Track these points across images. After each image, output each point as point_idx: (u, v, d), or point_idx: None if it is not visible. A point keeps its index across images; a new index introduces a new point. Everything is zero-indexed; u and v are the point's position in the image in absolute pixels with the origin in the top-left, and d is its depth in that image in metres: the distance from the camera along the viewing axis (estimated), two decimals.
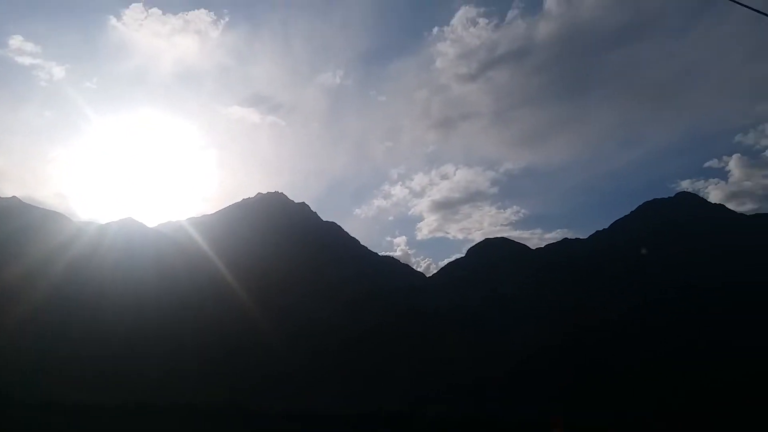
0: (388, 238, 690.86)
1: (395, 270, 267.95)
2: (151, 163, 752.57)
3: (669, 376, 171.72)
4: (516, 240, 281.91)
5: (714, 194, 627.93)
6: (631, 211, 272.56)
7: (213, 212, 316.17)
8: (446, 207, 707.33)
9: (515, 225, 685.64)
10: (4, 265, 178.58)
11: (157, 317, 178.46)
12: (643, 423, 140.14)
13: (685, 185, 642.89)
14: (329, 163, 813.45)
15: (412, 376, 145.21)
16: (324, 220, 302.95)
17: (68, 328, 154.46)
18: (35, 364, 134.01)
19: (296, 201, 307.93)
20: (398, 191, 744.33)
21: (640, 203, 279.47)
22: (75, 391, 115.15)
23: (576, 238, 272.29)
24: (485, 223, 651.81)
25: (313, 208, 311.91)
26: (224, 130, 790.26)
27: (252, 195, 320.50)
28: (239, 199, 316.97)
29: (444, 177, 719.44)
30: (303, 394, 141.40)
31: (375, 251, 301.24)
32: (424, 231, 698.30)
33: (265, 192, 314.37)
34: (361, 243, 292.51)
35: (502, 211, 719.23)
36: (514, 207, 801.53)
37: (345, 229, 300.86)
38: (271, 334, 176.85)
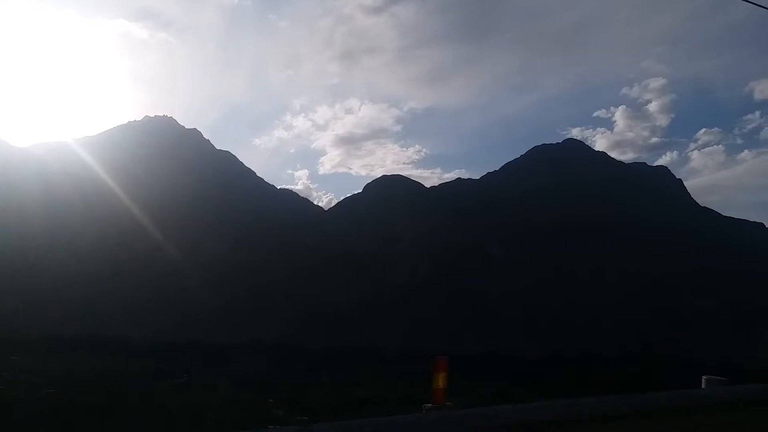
0: (290, 171, 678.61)
1: (292, 203, 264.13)
2: (17, 76, 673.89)
3: (545, 312, 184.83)
4: (416, 178, 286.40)
5: (600, 143, 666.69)
6: (521, 155, 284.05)
7: (95, 134, 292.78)
8: (350, 142, 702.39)
9: (417, 164, 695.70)
10: None
11: (48, 245, 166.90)
12: (522, 356, 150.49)
13: (576, 132, 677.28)
14: (225, 89, 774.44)
15: (296, 308, 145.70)
16: (218, 148, 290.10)
17: None
18: None
19: (187, 127, 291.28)
20: (301, 123, 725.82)
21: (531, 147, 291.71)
22: None
23: (468, 178, 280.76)
24: (388, 161, 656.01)
25: (206, 136, 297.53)
26: (107, 45, 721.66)
27: (138, 118, 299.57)
28: (125, 122, 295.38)
29: (348, 111, 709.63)
30: (184, 325, 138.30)
31: (273, 184, 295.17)
32: (326, 165, 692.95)
33: (153, 115, 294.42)
34: (258, 175, 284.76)
35: (404, 149, 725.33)
36: (417, 146, 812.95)
37: (241, 159, 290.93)
38: (157, 264, 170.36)
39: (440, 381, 7.60)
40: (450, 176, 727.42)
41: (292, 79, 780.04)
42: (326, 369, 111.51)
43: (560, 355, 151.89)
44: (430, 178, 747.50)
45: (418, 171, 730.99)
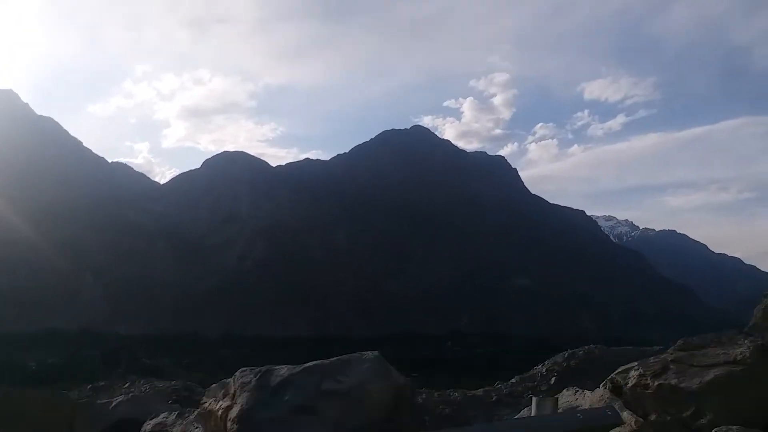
0: (128, 143, 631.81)
1: (122, 178, 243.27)
2: None
3: (381, 293, 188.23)
4: (269, 157, 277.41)
5: (449, 131, 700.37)
6: (371, 138, 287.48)
7: None
8: (198, 115, 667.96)
9: (272, 142, 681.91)
10: None
11: None
12: (353, 336, 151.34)
13: (428, 120, 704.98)
14: (51, 46, 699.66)
15: (108, 292, 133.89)
16: (39, 114, 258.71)
17: None
18: None
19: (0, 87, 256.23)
20: (143, 91, 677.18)
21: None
22: None
23: (317, 159, 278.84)
24: (241, 138, 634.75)
25: (25, 98, 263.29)
26: None
27: None
28: None
29: (198, 82, 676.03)
30: None
31: (105, 156, 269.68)
32: (171, 139, 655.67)
33: None
34: (86, 145, 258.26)
35: (259, 126, 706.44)
36: (272, 123, 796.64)
37: (66, 127, 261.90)
38: None
39: None
40: (308, 156, 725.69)
41: (134, 43, 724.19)
42: (127, 357, 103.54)
43: (391, 334, 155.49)
44: (286, 157, 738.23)
45: (274, 150, 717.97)
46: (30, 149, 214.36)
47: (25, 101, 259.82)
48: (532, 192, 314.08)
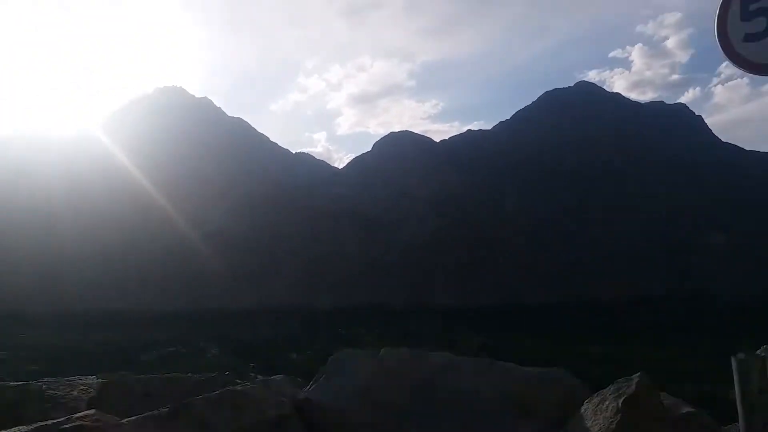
0: (308, 134, 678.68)
1: (306, 167, 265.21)
2: (17, 53, 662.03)
3: (557, 258, 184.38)
4: (434, 133, 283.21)
5: (619, 84, 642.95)
6: (532, 101, 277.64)
7: (111, 113, 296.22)
8: (365, 101, 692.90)
9: (434, 118, 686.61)
10: None
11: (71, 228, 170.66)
12: (534, 304, 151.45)
13: (593, 75, 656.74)
14: (233, 55, 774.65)
15: (305, 270, 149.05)
16: (230, 116, 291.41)
17: None
18: None
19: (198, 96, 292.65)
20: (314, 84, 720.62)
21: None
22: None
23: (479, 130, 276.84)
24: (405, 117, 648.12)
25: (218, 104, 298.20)
26: (104, 15, 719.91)
27: (149, 91, 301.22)
28: (135, 97, 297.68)
29: (361, 69, 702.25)
30: (193, 295, 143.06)
31: (289, 148, 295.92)
32: (344, 126, 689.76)
33: (161, 86, 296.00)
34: (272, 140, 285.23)
35: (421, 103, 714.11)
36: (433, 100, 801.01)
37: (255, 125, 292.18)
38: (166, 237, 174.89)
39: None
40: (470, 129, 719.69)
41: (301, 40, 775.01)
42: (328, 329, 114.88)
43: (570, 301, 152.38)
44: (449, 131, 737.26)
45: (437, 125, 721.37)
46: (226, 149, 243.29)
47: (218, 106, 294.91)
48: (723, 140, 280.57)
